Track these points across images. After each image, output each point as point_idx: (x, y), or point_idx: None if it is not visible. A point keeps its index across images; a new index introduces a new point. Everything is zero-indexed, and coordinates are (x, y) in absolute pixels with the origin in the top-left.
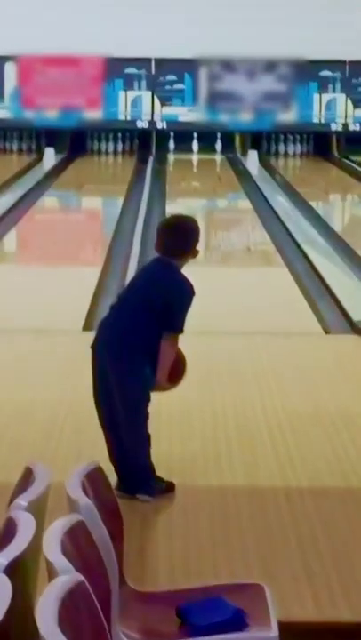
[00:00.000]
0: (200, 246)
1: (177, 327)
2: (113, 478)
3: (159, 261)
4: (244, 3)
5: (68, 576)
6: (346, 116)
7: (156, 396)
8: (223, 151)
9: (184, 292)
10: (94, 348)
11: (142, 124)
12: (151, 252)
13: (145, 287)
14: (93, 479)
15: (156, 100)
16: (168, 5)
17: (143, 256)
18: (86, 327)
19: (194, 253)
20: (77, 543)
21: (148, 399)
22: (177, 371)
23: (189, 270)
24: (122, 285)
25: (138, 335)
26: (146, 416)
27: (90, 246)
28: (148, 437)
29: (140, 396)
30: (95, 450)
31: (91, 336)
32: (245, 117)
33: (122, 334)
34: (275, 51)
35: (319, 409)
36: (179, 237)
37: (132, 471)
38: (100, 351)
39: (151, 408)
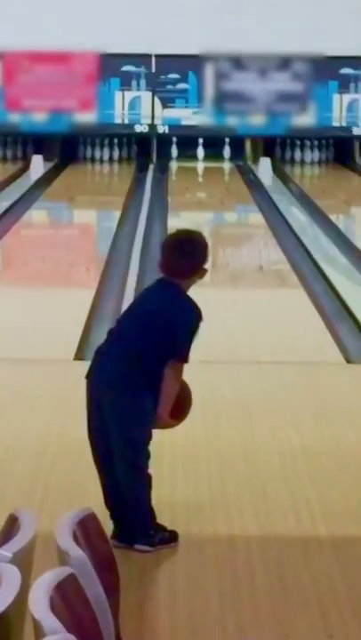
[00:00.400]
0: (207, 265)
1: (182, 356)
2: (108, 526)
3: (163, 282)
4: None
5: (57, 637)
6: None
7: (157, 434)
8: (232, 158)
9: (191, 317)
10: (89, 378)
11: (141, 128)
12: (151, 272)
13: (147, 312)
14: (86, 527)
15: (157, 102)
16: None
17: (142, 276)
18: (79, 356)
19: (201, 273)
20: (68, 600)
21: (149, 436)
22: (181, 405)
23: (194, 292)
24: (118, 310)
25: (139, 365)
26: (147, 455)
27: (82, 265)
28: (148, 480)
29: (140, 432)
30: (88, 494)
31: (84, 366)
32: (257, 121)
33: (121, 363)
34: (290, 46)
35: (340, 448)
36: (185, 255)
37: (131, 518)
38: (97, 382)
39: (152, 447)
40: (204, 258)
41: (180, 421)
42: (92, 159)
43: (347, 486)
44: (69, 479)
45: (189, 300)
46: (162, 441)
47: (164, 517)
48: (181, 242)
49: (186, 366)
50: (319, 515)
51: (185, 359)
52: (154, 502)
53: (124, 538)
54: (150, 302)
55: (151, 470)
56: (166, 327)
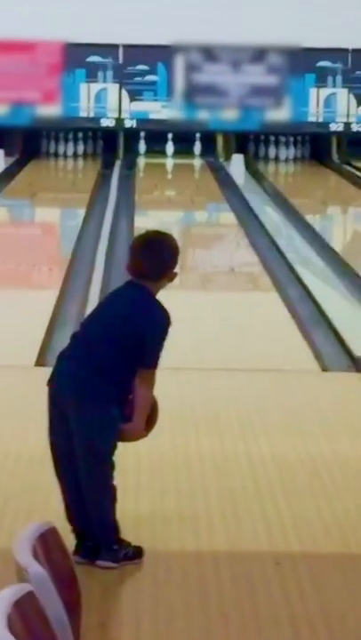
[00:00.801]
0: (177, 268)
1: (152, 363)
2: (70, 541)
3: (131, 285)
4: None
5: None
6: (348, 115)
7: (121, 444)
8: (203, 155)
9: (159, 322)
10: (51, 384)
11: (107, 122)
12: (117, 274)
13: (115, 316)
14: (46, 543)
15: (125, 94)
16: None
17: (108, 278)
18: (40, 362)
19: (171, 276)
20: (27, 618)
21: (114, 446)
22: (149, 415)
23: (162, 294)
24: (82, 313)
25: (105, 371)
26: (112, 466)
27: (45, 266)
28: (113, 492)
29: (105, 441)
30: (49, 507)
31: (46, 372)
32: (229, 115)
33: (86, 369)
34: (264, 37)
35: (313, 458)
36: (154, 258)
37: (94, 532)
38: (60, 389)
39: (115, 457)
40: (174, 260)
41: (149, 432)
42: (56, 154)
43: (319, 498)
44: (30, 491)
45: (158, 304)
46: (126, 451)
47: (128, 531)
48: (150, 243)
49: None
50: (291, 528)
51: (154, 366)
52: (118, 516)
53: (86, 553)
54: (118, 306)
55: (115, 482)
56: (134, 333)
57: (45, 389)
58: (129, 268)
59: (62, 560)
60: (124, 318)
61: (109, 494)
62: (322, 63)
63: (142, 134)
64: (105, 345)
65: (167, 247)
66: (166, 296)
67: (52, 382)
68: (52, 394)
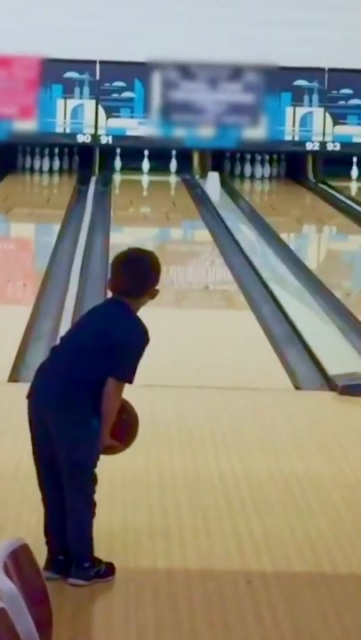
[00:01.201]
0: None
1: (125, 375)
2: (42, 557)
3: (113, 302)
4: None
5: None
6: (324, 134)
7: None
8: (179, 172)
9: (137, 337)
10: (32, 397)
11: (84, 138)
12: (91, 290)
13: (94, 329)
14: (18, 560)
15: (101, 111)
16: None
17: (82, 294)
18: (13, 377)
19: (153, 294)
20: None
21: (96, 459)
22: (129, 429)
23: (141, 312)
24: (56, 329)
25: (85, 384)
26: (94, 479)
27: (19, 281)
28: (93, 506)
29: (88, 454)
30: (20, 523)
31: (19, 388)
32: (206, 133)
33: (66, 383)
34: (241, 55)
35: (286, 476)
36: (137, 275)
37: (69, 546)
38: (40, 402)
39: None
40: (155, 277)
41: (127, 446)
42: (32, 169)
43: (292, 517)
44: (2, 507)
45: (138, 320)
46: (100, 465)
47: (101, 546)
48: (132, 260)
49: (128, 389)
50: (263, 546)
51: (130, 380)
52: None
53: (58, 569)
54: (98, 321)
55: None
56: (114, 348)
57: (19, 405)
58: (110, 284)
59: (34, 577)
60: (104, 332)
61: (89, 508)
62: (298, 82)
63: (118, 151)
64: (85, 358)
65: (149, 264)
66: (141, 312)
67: (32, 395)
68: (32, 407)
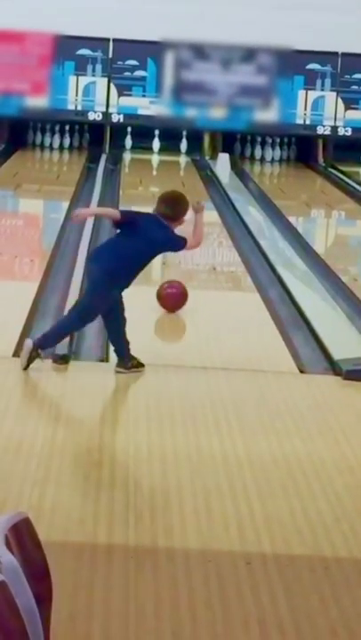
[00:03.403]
0: (156, 270)
1: (184, 244)
2: (43, 531)
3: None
4: None
5: None
6: (335, 119)
7: (95, 439)
8: (189, 152)
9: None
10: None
11: (95, 115)
12: None
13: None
14: (19, 533)
15: (113, 89)
16: None
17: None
18: (18, 352)
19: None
20: None
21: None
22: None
23: (143, 291)
24: (62, 305)
25: (128, 272)
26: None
27: (26, 258)
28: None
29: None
30: (22, 497)
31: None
32: (217, 114)
33: (118, 264)
34: (255, 37)
35: (289, 460)
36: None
37: None
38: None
39: (91, 453)
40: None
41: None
42: (42, 146)
43: (293, 499)
44: (4, 481)
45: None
46: (102, 445)
47: (101, 526)
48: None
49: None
50: (263, 528)
51: (185, 242)
52: (92, 511)
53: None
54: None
55: (91, 475)
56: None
57: (22, 380)
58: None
59: (34, 551)
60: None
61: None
62: (311, 66)
63: (129, 129)
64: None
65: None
66: (147, 292)
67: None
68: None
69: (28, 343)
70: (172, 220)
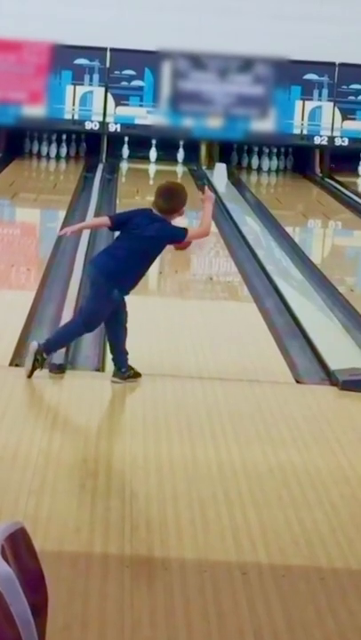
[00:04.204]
0: (153, 280)
1: (184, 234)
2: (38, 542)
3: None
4: None
5: None
6: (332, 129)
7: (91, 448)
8: (186, 162)
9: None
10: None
11: (92, 125)
12: None
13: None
14: (15, 543)
15: (110, 98)
16: None
17: (86, 281)
18: (15, 362)
19: (180, 212)
20: None
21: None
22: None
23: (143, 300)
24: (59, 315)
25: (126, 272)
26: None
27: (23, 267)
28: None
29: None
30: (17, 508)
31: (20, 372)
32: (214, 124)
33: (115, 265)
34: (252, 47)
35: (285, 470)
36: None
37: None
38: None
39: (86, 463)
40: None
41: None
42: (39, 155)
43: (288, 509)
44: (0, 490)
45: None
46: (98, 456)
47: (97, 536)
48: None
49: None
50: (259, 538)
51: (185, 233)
52: (86, 519)
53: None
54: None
55: (86, 484)
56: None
57: (19, 389)
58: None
59: (30, 561)
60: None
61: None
62: (308, 76)
63: (126, 139)
64: (133, 254)
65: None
66: (144, 301)
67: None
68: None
69: (34, 345)
70: (170, 212)
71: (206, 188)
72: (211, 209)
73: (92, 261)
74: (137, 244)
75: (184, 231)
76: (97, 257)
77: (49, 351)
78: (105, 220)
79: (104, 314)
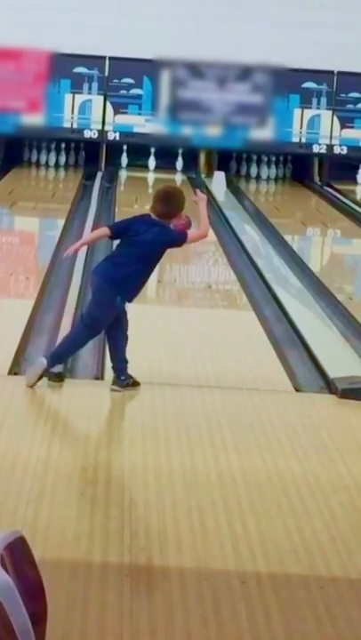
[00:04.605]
0: (152, 288)
1: (184, 237)
2: (37, 551)
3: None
4: None
5: None
6: (331, 137)
7: (90, 455)
8: (185, 170)
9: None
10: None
11: (91, 133)
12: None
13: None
14: (14, 552)
15: (109, 107)
16: None
17: (85, 289)
18: (14, 370)
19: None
20: None
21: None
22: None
23: (139, 309)
24: (58, 323)
25: (127, 278)
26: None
27: (22, 276)
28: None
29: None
30: (16, 517)
31: (19, 381)
32: (213, 132)
33: (117, 272)
34: (251, 55)
35: (284, 479)
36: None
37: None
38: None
39: (85, 471)
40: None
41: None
42: (38, 163)
43: (287, 518)
44: None
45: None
46: (97, 463)
47: (96, 545)
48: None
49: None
50: (258, 547)
51: (185, 237)
52: (85, 527)
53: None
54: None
55: (85, 493)
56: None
57: (17, 398)
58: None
59: (29, 570)
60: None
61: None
62: (307, 84)
63: (125, 147)
64: (135, 260)
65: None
66: (143, 309)
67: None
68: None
69: (42, 362)
70: (168, 216)
71: (198, 190)
72: (205, 210)
73: (95, 270)
74: (137, 250)
75: (184, 234)
76: (99, 266)
77: (59, 362)
78: (105, 230)
79: (106, 320)
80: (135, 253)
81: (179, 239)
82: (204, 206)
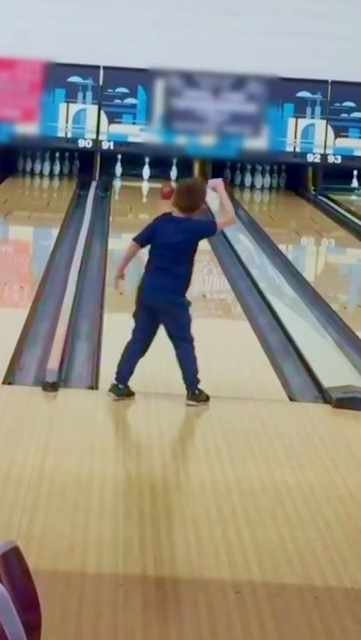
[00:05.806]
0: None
1: (214, 228)
2: (32, 561)
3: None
4: (210, 6)
5: None
6: (325, 147)
7: (86, 468)
8: (179, 180)
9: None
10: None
11: (85, 143)
12: (88, 294)
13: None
14: (8, 562)
15: (103, 116)
16: (122, 4)
17: (79, 298)
18: (8, 380)
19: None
20: None
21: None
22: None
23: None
24: (52, 332)
25: (177, 278)
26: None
27: (16, 285)
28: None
29: (189, 316)
30: (11, 527)
31: (14, 391)
32: (207, 141)
33: (166, 280)
34: (245, 65)
35: (278, 488)
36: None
37: None
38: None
39: (80, 484)
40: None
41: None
42: (32, 173)
43: (282, 527)
44: None
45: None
46: (92, 473)
47: (90, 555)
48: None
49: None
50: (252, 556)
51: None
52: (80, 537)
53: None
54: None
55: (80, 502)
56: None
57: (12, 408)
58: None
59: (24, 580)
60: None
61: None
62: (301, 93)
63: (119, 157)
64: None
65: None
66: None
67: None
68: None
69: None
70: (191, 210)
71: (209, 180)
72: (225, 193)
73: (150, 287)
74: (172, 252)
75: (213, 224)
76: (148, 281)
77: (197, 385)
78: (132, 245)
79: (190, 321)
80: (173, 256)
81: (210, 230)
82: (223, 190)
